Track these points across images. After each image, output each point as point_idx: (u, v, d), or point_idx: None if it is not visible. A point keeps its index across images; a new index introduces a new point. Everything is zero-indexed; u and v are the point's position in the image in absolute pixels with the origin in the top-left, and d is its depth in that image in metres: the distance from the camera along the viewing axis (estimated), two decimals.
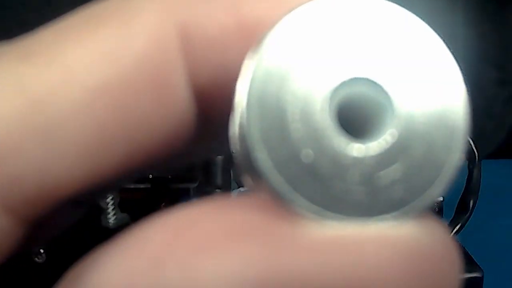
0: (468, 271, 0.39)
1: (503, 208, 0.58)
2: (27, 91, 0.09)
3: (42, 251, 0.39)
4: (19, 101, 0.09)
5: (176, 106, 0.11)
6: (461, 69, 0.11)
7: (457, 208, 0.42)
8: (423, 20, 0.11)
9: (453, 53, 0.11)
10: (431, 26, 0.11)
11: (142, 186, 0.47)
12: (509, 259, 0.51)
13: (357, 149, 0.10)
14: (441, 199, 0.44)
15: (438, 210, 0.44)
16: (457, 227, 0.41)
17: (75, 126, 0.09)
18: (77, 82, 0.09)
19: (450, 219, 0.42)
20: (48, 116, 0.09)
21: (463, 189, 0.42)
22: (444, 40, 0.11)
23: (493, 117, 0.73)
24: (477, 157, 0.42)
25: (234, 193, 0.41)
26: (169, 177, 0.46)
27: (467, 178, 0.42)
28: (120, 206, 0.42)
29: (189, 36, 0.10)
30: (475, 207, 0.41)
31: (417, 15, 0.11)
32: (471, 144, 0.42)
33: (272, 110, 0.10)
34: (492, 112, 0.73)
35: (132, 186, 0.46)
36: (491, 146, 0.73)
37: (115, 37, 0.10)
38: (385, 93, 0.10)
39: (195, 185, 0.41)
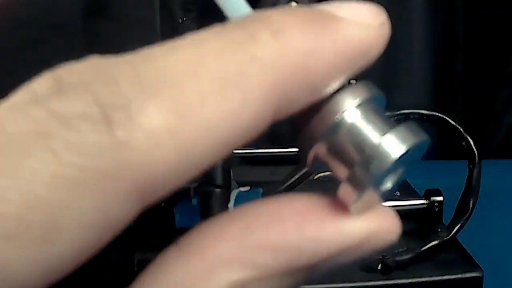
0: (468, 271, 0.39)
1: (503, 208, 0.57)
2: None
3: None
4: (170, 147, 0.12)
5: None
6: None
7: (457, 208, 0.42)
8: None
9: None
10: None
11: None
12: (509, 259, 0.51)
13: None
14: (441, 199, 0.44)
15: (438, 210, 0.44)
16: (457, 227, 0.41)
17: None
18: (214, 136, 0.12)
19: (450, 219, 0.42)
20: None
21: (463, 189, 0.42)
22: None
23: (493, 117, 0.73)
24: (477, 157, 0.42)
25: (234, 193, 0.42)
26: None
27: (467, 178, 0.42)
28: None
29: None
30: (475, 207, 0.41)
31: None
32: (471, 144, 0.42)
33: None
34: (492, 112, 0.73)
35: None
36: (491, 146, 0.73)
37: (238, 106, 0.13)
38: None
39: (195, 185, 0.41)
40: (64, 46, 0.62)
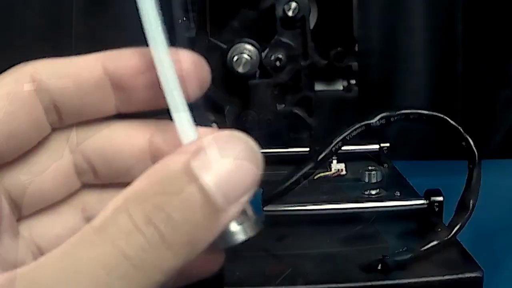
0: (468, 271, 0.39)
1: (503, 208, 0.57)
2: None
3: None
4: None
5: None
6: None
7: (457, 208, 0.42)
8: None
9: None
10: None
11: None
12: (509, 259, 0.51)
13: None
14: (441, 199, 0.44)
15: (438, 210, 0.44)
16: (457, 227, 0.41)
17: None
18: None
19: (450, 219, 0.42)
20: None
21: (463, 189, 0.42)
22: None
23: (493, 117, 0.73)
24: (477, 157, 0.42)
25: None
26: None
27: (467, 178, 0.42)
28: None
29: None
30: (475, 207, 0.41)
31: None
32: (471, 144, 0.42)
33: None
34: (492, 112, 0.73)
35: None
36: (491, 146, 0.72)
37: None
38: None
39: None
40: (63, 44, 0.62)
